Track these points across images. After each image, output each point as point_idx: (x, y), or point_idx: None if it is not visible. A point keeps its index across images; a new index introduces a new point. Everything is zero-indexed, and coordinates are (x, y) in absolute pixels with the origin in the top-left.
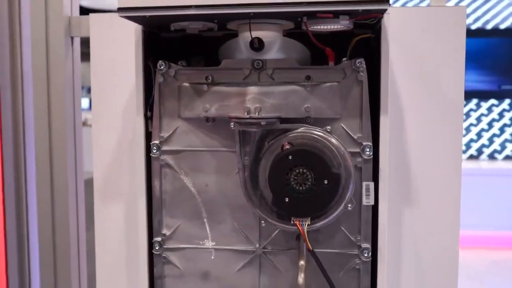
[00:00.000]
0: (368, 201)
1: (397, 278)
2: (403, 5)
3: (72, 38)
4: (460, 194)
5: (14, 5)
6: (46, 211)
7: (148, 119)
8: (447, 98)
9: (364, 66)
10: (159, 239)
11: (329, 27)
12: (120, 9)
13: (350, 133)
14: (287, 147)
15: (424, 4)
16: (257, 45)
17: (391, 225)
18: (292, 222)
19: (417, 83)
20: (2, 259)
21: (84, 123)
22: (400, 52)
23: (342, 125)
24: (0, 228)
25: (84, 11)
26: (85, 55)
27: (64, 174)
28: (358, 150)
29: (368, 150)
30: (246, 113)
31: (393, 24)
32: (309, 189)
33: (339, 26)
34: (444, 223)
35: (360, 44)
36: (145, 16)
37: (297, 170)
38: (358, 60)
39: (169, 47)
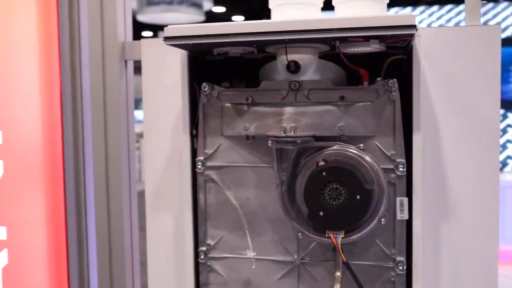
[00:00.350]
0: (402, 215)
1: None
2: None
3: (125, 61)
4: (498, 209)
5: (74, 32)
6: (103, 219)
7: (193, 137)
8: (483, 115)
9: (397, 86)
10: (204, 248)
11: (361, 49)
12: (167, 38)
13: (384, 150)
14: (321, 163)
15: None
16: (293, 68)
17: (429, 240)
18: (326, 235)
19: (453, 100)
20: (64, 268)
21: (141, 136)
22: (436, 70)
23: (376, 142)
24: (62, 237)
25: (141, 26)
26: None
27: (119, 185)
28: (391, 166)
29: (401, 166)
30: (282, 132)
31: (429, 44)
32: (342, 204)
33: (371, 48)
34: (483, 238)
35: (394, 63)
36: (189, 43)
37: (331, 186)
38: (390, 81)
39: (213, 69)
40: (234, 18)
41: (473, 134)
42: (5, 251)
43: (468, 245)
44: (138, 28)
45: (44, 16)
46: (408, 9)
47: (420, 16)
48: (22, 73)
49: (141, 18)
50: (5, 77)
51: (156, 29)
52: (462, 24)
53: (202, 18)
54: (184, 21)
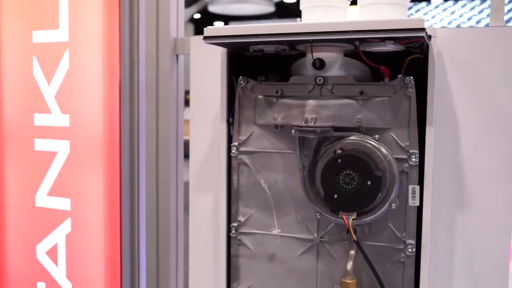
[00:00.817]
0: (413, 202)
1: (449, 277)
2: None
3: (177, 55)
4: None
5: (133, 31)
6: (152, 200)
7: (230, 124)
8: (505, 111)
9: (413, 83)
10: (235, 224)
11: (381, 48)
12: (205, 37)
13: (399, 141)
14: (338, 151)
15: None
16: (318, 65)
17: (443, 228)
18: (340, 215)
19: (474, 97)
20: (117, 237)
21: None
22: (460, 70)
23: (392, 134)
24: (117, 210)
25: (213, 17)
26: None
27: (167, 168)
28: (405, 156)
29: (414, 157)
30: (304, 122)
31: (452, 44)
32: (355, 188)
33: (389, 48)
34: (496, 231)
35: (416, 61)
36: (225, 42)
37: (345, 172)
38: (407, 78)
39: (253, 64)
40: None
41: (494, 130)
42: (68, 220)
43: (482, 236)
44: (210, 18)
45: (108, 17)
46: (423, 4)
47: (434, 10)
48: (88, 66)
49: (213, 9)
50: (74, 69)
51: (228, 19)
52: (473, 19)
53: (272, 9)
54: (253, 12)
